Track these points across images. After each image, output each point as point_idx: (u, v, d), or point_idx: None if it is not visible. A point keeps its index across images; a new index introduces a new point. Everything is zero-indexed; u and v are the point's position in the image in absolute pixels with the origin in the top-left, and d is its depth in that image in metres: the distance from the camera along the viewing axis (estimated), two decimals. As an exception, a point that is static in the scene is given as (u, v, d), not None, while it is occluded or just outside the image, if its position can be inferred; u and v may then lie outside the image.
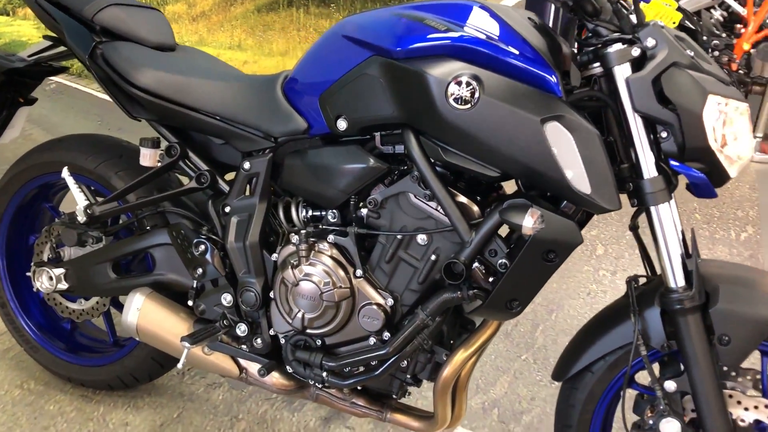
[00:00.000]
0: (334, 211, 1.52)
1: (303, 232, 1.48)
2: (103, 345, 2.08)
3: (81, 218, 1.67)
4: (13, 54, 1.98)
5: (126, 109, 1.69)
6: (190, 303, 1.67)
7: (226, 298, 1.61)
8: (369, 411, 1.63)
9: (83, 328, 2.14)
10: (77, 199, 1.68)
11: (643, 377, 1.39)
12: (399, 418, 1.62)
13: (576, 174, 1.23)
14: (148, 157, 1.68)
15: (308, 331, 1.52)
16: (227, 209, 1.60)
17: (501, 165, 1.29)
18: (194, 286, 1.66)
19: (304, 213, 1.59)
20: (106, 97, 1.73)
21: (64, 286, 1.82)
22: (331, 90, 1.41)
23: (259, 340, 1.62)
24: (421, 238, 1.41)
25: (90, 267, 1.77)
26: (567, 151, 1.23)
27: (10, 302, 2.06)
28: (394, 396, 1.63)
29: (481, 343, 1.49)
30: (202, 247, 1.59)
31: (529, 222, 1.22)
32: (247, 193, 1.59)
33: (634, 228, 1.43)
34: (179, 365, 1.58)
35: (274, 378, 1.65)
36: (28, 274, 1.91)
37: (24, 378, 2.11)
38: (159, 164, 1.68)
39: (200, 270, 1.61)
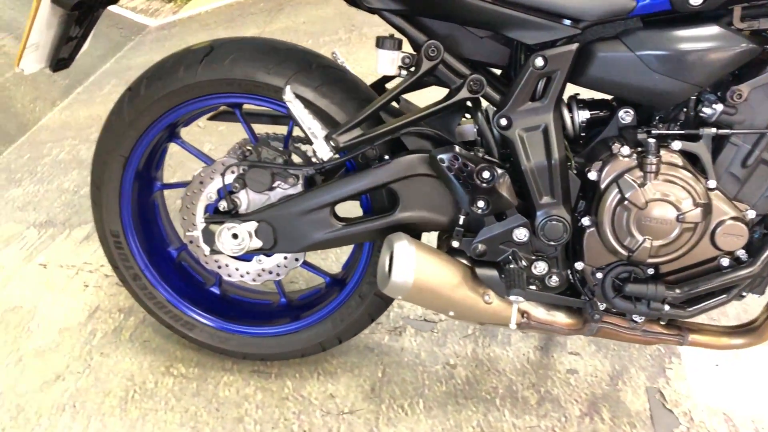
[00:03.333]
0: (629, 109, 1.26)
1: (652, 141, 1.18)
2: (267, 307, 1.67)
3: (323, 154, 1.23)
4: None
5: None
6: (455, 244, 1.33)
7: (520, 233, 1.30)
8: (667, 337, 1.43)
9: (228, 290, 1.70)
10: (313, 129, 1.23)
11: None
12: (704, 339, 1.43)
13: None
14: (391, 62, 1.26)
15: (648, 260, 1.26)
16: (503, 122, 1.25)
17: None
18: (461, 223, 1.33)
19: (580, 117, 1.30)
20: None
21: (257, 244, 1.39)
22: None
23: (554, 278, 1.34)
24: (792, 133, 1.18)
25: (301, 215, 1.35)
26: None
27: (145, 272, 1.55)
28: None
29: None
30: (486, 173, 1.24)
31: None
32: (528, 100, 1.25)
33: None
34: (512, 325, 1.27)
35: (563, 318, 1.40)
36: (191, 233, 1.45)
37: (166, 362, 1.67)
38: (402, 70, 1.27)
39: (481, 203, 1.27)
